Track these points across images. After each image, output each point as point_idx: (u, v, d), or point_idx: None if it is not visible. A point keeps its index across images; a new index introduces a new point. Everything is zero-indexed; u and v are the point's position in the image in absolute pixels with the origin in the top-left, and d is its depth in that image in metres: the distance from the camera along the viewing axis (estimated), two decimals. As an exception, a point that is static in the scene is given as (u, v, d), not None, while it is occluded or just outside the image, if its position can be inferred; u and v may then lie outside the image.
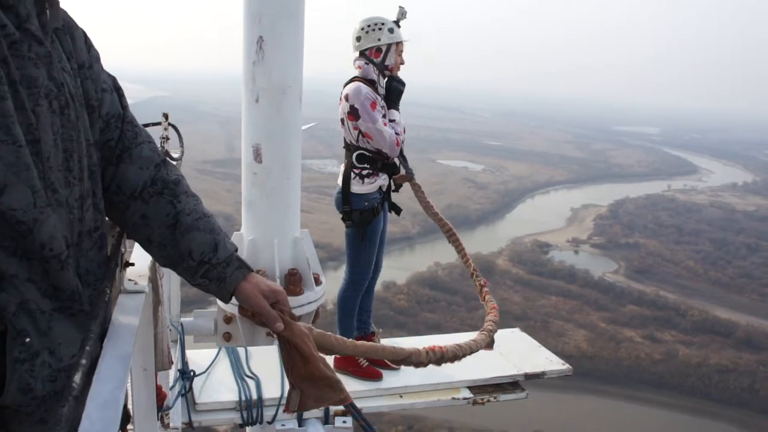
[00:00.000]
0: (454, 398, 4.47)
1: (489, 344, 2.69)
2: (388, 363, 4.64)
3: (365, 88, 4.41)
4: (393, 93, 4.64)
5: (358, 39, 4.54)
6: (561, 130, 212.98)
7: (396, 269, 63.52)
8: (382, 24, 4.49)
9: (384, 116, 4.48)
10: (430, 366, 4.85)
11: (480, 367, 4.67)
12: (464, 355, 2.31)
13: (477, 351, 2.46)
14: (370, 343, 1.99)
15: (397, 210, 4.81)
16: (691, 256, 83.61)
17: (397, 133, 4.49)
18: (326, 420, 4.05)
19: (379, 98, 4.51)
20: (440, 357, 2.15)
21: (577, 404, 49.46)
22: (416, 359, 2.05)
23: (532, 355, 4.99)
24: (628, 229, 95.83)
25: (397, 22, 4.56)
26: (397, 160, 4.68)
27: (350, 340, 1.89)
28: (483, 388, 4.56)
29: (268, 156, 4.98)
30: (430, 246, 75.31)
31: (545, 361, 4.90)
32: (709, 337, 60.96)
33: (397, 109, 4.66)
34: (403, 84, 4.68)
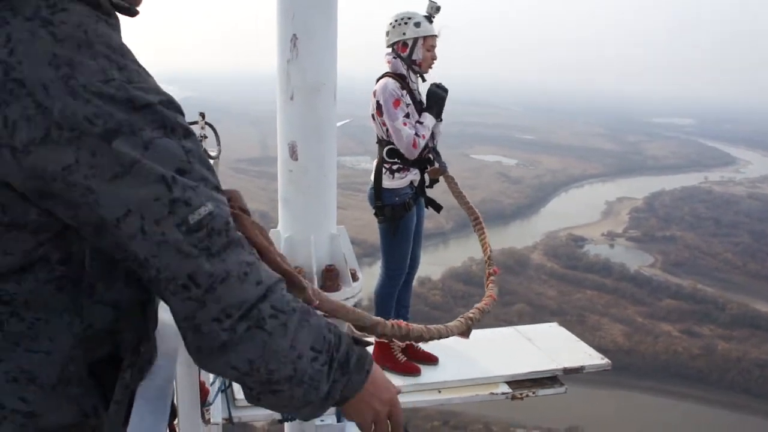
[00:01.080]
0: (492, 393, 4.46)
1: (464, 332, 2.57)
2: (428, 357, 4.66)
3: (392, 85, 4.42)
4: (430, 99, 4.64)
5: (387, 34, 4.58)
6: (594, 123, 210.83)
7: (431, 264, 63.42)
8: (409, 18, 4.52)
9: (408, 116, 4.46)
10: (468, 361, 4.83)
11: (518, 361, 4.66)
12: (431, 338, 2.25)
13: (447, 337, 2.39)
14: (342, 303, 1.90)
15: (437, 207, 4.80)
16: (729, 248, 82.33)
17: (417, 135, 4.46)
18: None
19: (406, 95, 4.50)
20: (405, 334, 2.08)
21: (614, 399, 49.01)
22: (381, 330, 1.97)
23: (570, 349, 4.96)
24: (664, 222, 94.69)
25: (429, 17, 4.56)
26: (431, 155, 4.68)
27: (330, 298, 1.82)
28: (521, 383, 4.54)
29: (304, 154, 4.96)
30: (464, 241, 75.05)
31: (584, 355, 4.86)
32: (749, 331, 59.97)
33: (435, 115, 4.62)
34: (445, 90, 4.66)
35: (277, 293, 1.21)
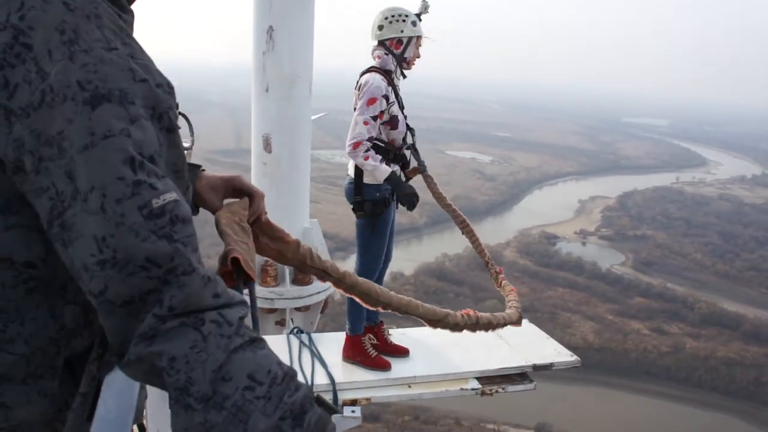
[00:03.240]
0: (462, 389, 4.46)
1: (518, 320, 2.73)
2: (398, 349, 4.67)
3: (377, 83, 4.37)
4: (401, 189, 4.51)
5: (380, 28, 4.50)
6: (570, 122, 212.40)
7: (403, 260, 63.54)
8: (406, 16, 4.48)
9: (375, 118, 4.38)
10: (438, 356, 4.84)
11: (488, 357, 4.67)
12: (498, 325, 2.36)
13: (509, 324, 2.53)
14: (401, 296, 1.85)
15: None
16: (699, 248, 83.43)
17: (369, 141, 4.33)
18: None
19: (391, 92, 4.46)
20: (475, 323, 2.16)
21: (584, 396, 49.47)
22: (452, 321, 2.03)
23: (540, 346, 4.98)
24: (636, 221, 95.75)
25: (419, 16, 4.55)
26: (407, 152, 4.66)
27: (385, 290, 1.80)
28: (491, 379, 4.55)
29: (278, 146, 4.97)
30: (437, 237, 75.44)
31: (553, 352, 4.88)
32: (717, 330, 60.87)
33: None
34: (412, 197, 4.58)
35: (234, 309, 1.07)
